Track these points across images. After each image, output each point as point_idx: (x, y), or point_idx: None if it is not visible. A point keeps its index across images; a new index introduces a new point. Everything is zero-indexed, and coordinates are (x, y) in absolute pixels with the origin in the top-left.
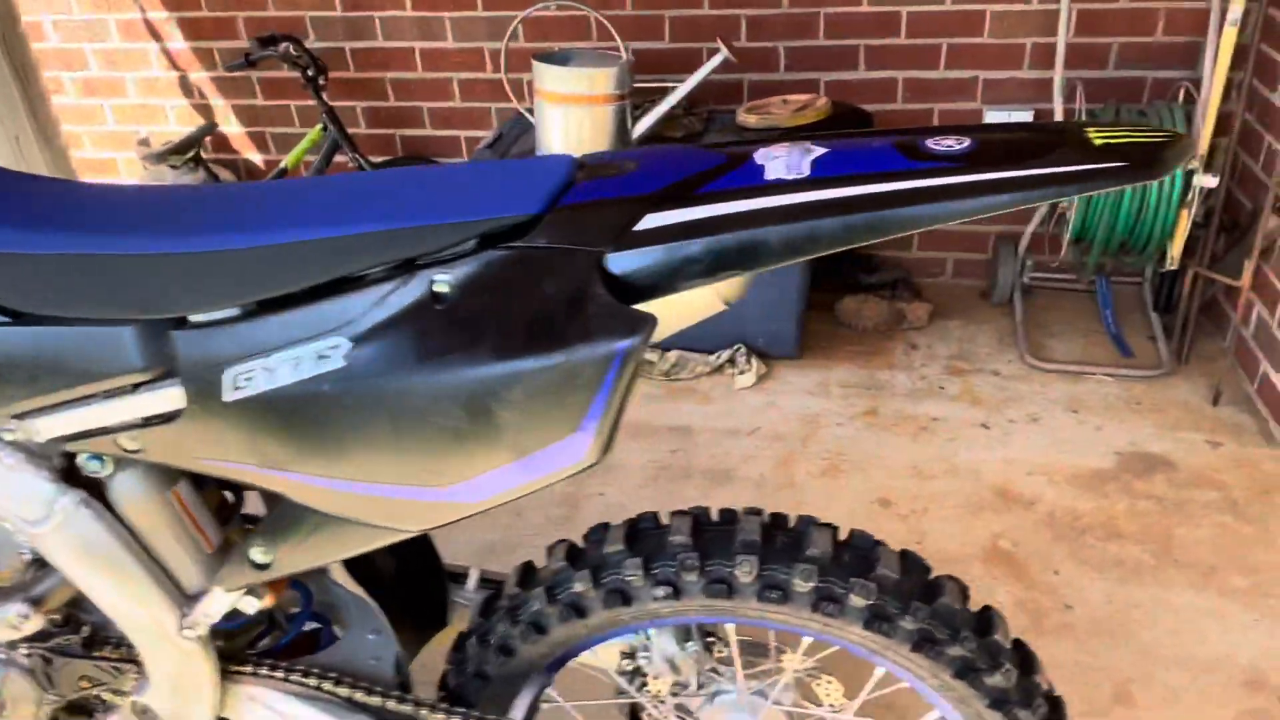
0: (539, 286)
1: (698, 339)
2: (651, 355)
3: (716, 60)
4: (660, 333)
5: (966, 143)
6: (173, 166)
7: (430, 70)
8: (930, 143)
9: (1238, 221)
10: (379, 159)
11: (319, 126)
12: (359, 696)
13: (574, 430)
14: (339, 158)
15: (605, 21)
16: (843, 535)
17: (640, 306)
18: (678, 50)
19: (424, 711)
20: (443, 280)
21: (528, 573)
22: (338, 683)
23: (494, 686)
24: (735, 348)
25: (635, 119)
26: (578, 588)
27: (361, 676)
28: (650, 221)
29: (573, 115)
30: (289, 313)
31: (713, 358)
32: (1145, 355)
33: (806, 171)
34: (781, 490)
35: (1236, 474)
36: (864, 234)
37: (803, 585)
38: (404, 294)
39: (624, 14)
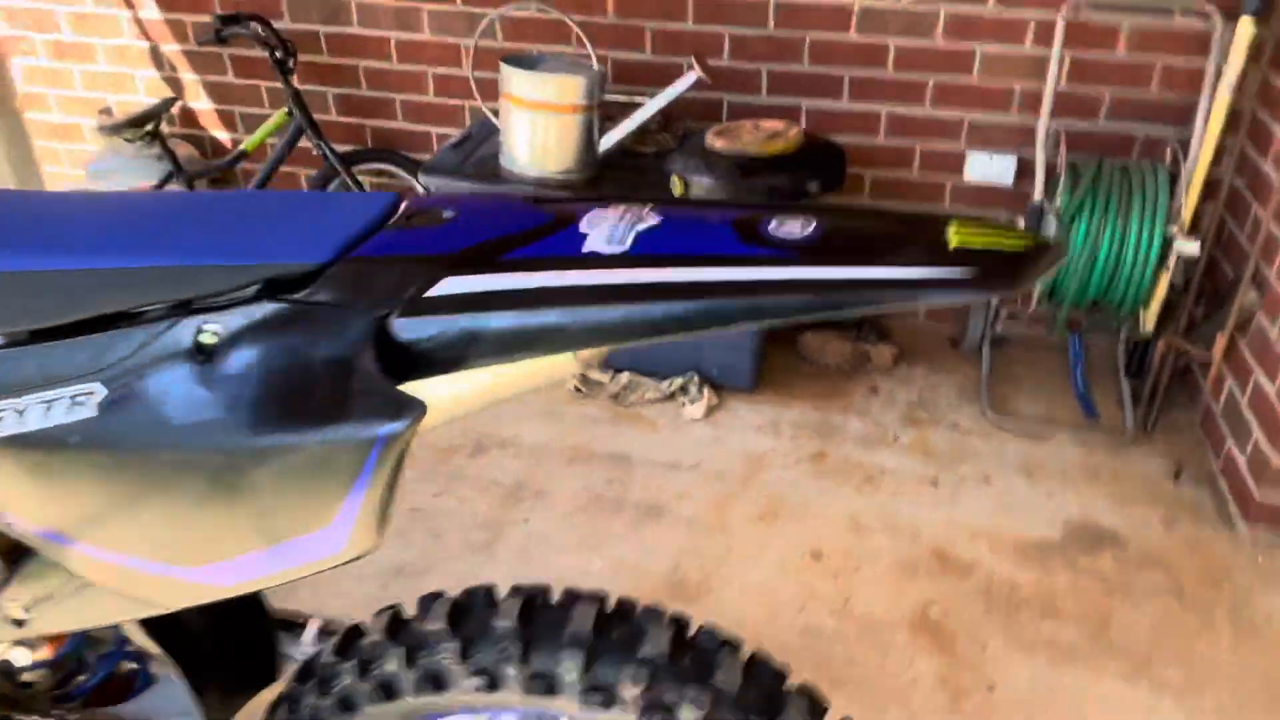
0: (305, 351)
1: (652, 361)
2: (602, 376)
3: (688, 80)
4: (502, 395)
5: (811, 228)
6: (128, 139)
7: (405, 62)
8: (772, 225)
9: (1219, 289)
10: (345, 148)
11: (284, 110)
12: None
13: (327, 524)
14: (304, 143)
15: (578, 29)
16: (692, 630)
17: (440, 380)
18: (658, 64)
19: None
20: (210, 330)
21: (348, 639)
22: None
23: None
24: (688, 375)
25: (603, 131)
26: (390, 666)
27: None
28: (447, 286)
29: (538, 122)
30: (52, 349)
31: (665, 384)
32: (1111, 420)
33: (627, 245)
34: (712, 533)
35: (1188, 557)
36: (671, 327)
37: (630, 690)
38: (168, 341)
39: (604, 22)
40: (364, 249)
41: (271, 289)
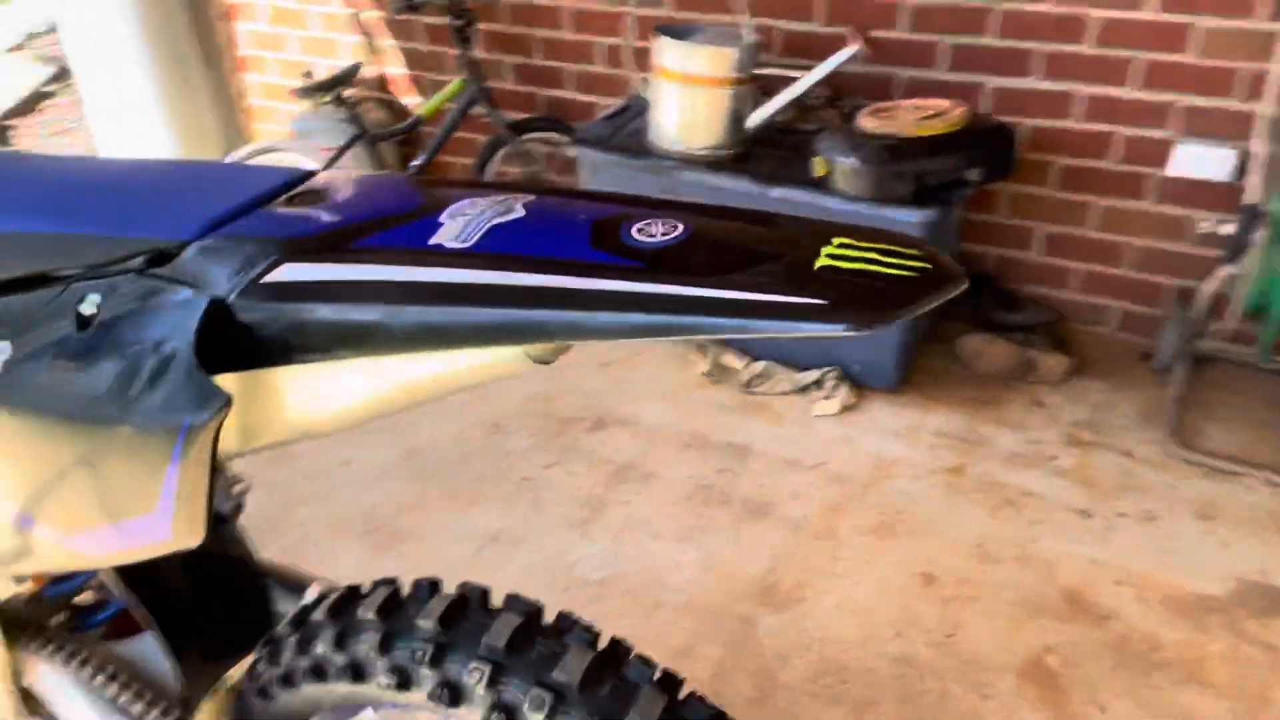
0: (143, 329)
1: (791, 351)
2: (736, 362)
3: (846, 53)
4: (447, 389)
5: (675, 233)
6: (319, 102)
7: (578, 32)
8: (635, 229)
9: None
10: (518, 116)
11: (460, 78)
12: (121, 699)
13: (153, 508)
14: (477, 110)
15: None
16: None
17: (353, 370)
18: (829, 35)
19: None
20: (91, 301)
21: (304, 612)
22: (111, 678)
23: None
24: (827, 369)
25: (757, 105)
26: (319, 648)
27: (145, 679)
28: (283, 273)
29: (687, 95)
30: None
31: (800, 376)
32: None
33: (473, 242)
34: (818, 539)
35: None
36: (493, 335)
37: (535, 715)
38: (59, 307)
39: None
40: (230, 227)
41: (150, 263)
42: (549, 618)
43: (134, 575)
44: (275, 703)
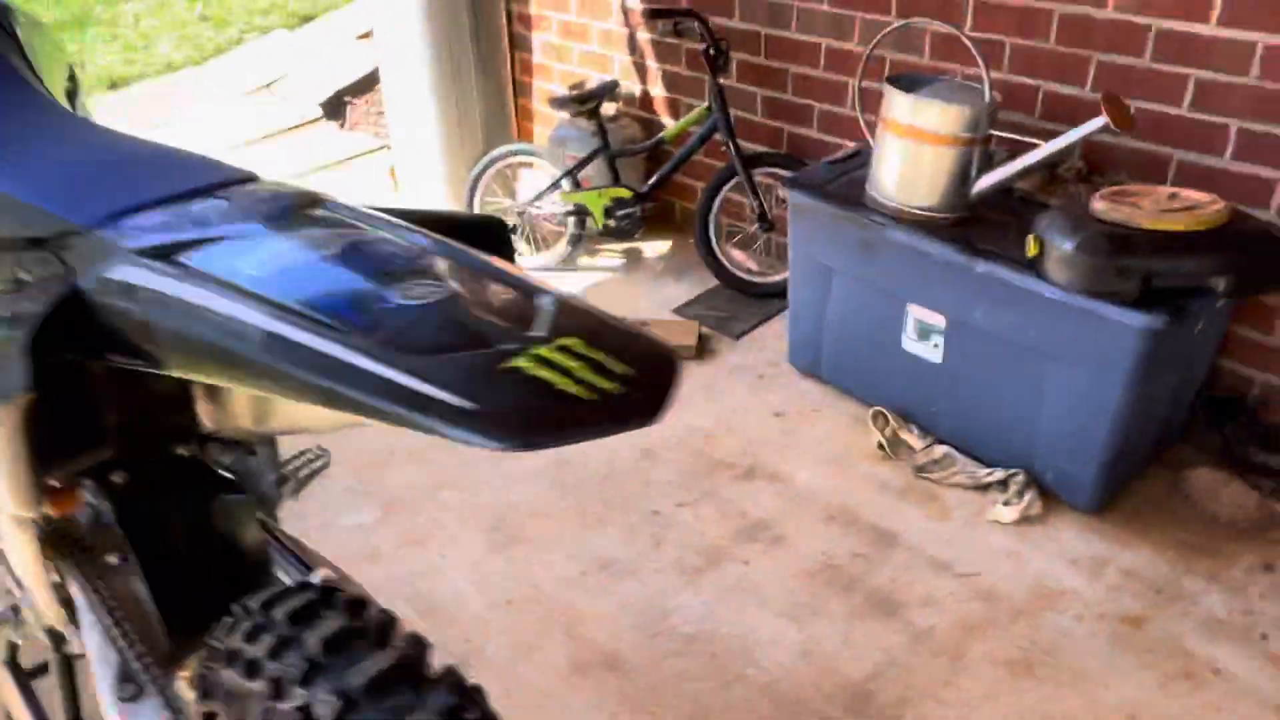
0: (11, 302)
1: (981, 440)
2: (916, 439)
3: (1092, 125)
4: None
5: (429, 298)
6: (571, 114)
7: (831, 70)
8: (402, 288)
9: None
10: (756, 149)
11: (706, 105)
12: (113, 633)
13: None
14: (718, 137)
15: (973, 47)
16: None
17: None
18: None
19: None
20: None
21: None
22: (110, 611)
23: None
24: (1015, 471)
25: (988, 168)
26: (238, 637)
27: (143, 623)
28: (118, 271)
29: (910, 150)
30: None
31: (983, 472)
32: None
33: (267, 276)
34: (939, 657)
35: None
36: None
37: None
38: (3, 271)
39: (1043, 48)
40: (122, 221)
41: (53, 239)
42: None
43: (136, 525)
44: (221, 679)
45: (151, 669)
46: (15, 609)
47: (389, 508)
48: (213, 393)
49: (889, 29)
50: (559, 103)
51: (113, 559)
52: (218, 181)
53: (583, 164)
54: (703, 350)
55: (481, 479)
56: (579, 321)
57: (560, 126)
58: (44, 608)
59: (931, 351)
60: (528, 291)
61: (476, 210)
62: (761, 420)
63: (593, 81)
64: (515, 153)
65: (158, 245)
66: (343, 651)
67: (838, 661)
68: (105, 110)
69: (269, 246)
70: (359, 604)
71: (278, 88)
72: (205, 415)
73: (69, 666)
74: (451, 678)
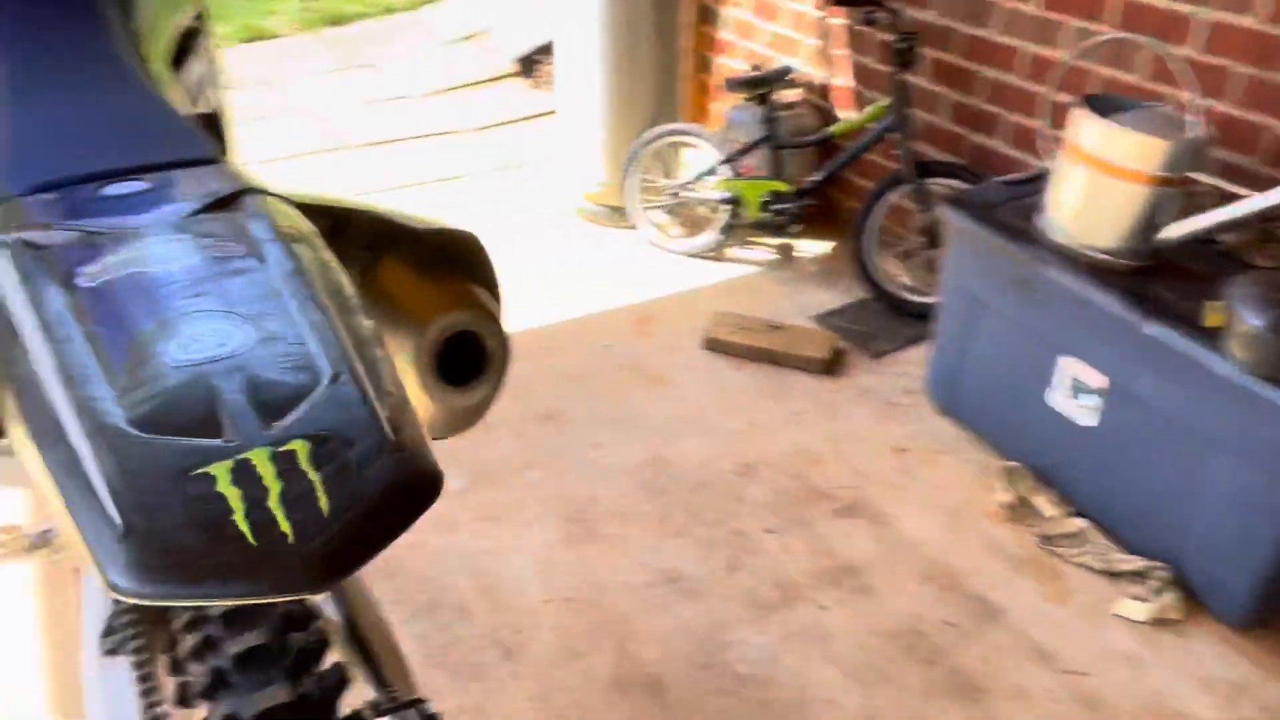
0: None
1: (1129, 520)
2: (1050, 506)
3: None
4: None
5: (198, 361)
6: (744, 97)
7: (1030, 79)
8: (188, 338)
9: None
10: (933, 156)
11: (885, 102)
12: None
13: None
14: (894, 137)
15: (1182, 72)
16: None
17: None
18: None
19: None
20: None
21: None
22: None
23: None
24: (1156, 564)
25: (1185, 214)
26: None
27: None
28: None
29: (1094, 182)
30: None
31: (1118, 558)
32: None
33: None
34: None
35: None
36: None
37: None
38: None
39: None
40: (42, 195)
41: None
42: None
43: None
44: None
45: (130, 630)
46: (47, 533)
47: (476, 479)
48: None
49: (1092, 40)
50: (732, 84)
51: None
52: (168, 161)
53: (744, 151)
54: (834, 365)
55: (571, 465)
56: (335, 415)
57: (736, 109)
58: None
59: (1082, 413)
60: (313, 362)
61: (629, 188)
62: (878, 453)
63: (773, 65)
64: (678, 132)
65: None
66: (254, 672)
67: None
68: (324, 44)
69: (123, 254)
70: (300, 619)
71: (480, 40)
72: None
73: None
74: None
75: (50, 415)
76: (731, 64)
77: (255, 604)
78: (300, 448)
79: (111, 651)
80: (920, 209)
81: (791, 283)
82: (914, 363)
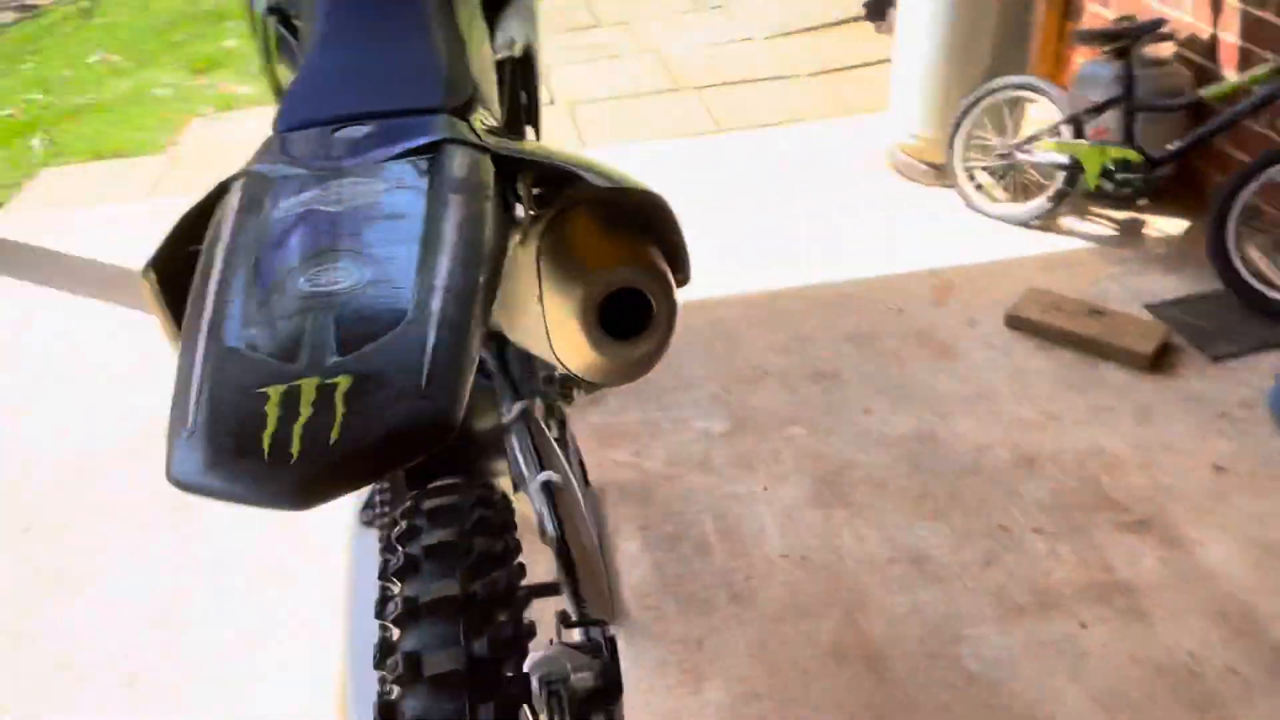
0: None
1: None
2: None
3: None
4: None
5: (315, 290)
6: (1099, 51)
7: None
8: (319, 271)
9: None
10: None
11: (1274, 65)
12: None
13: None
14: None
15: None
16: None
17: None
18: None
19: None
20: None
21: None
22: None
23: None
24: None
25: None
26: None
27: None
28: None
29: None
30: None
31: None
32: None
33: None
34: None
35: None
36: None
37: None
38: None
39: None
40: (290, 134)
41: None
42: None
43: None
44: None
45: (383, 508)
46: None
47: (739, 424)
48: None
49: None
50: (1084, 36)
51: None
52: (400, 109)
53: (1093, 111)
54: (1160, 362)
55: (835, 427)
56: (389, 357)
57: (1089, 64)
58: None
59: None
60: (402, 306)
61: (956, 143)
62: (1193, 468)
63: (1146, 16)
64: (1020, 85)
65: (271, 161)
66: (436, 563)
67: None
68: None
69: (318, 191)
70: (496, 527)
71: None
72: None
73: None
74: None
75: (194, 326)
76: (1104, 12)
77: (455, 504)
78: (344, 382)
79: (366, 523)
80: None
81: (1127, 263)
82: (1262, 373)
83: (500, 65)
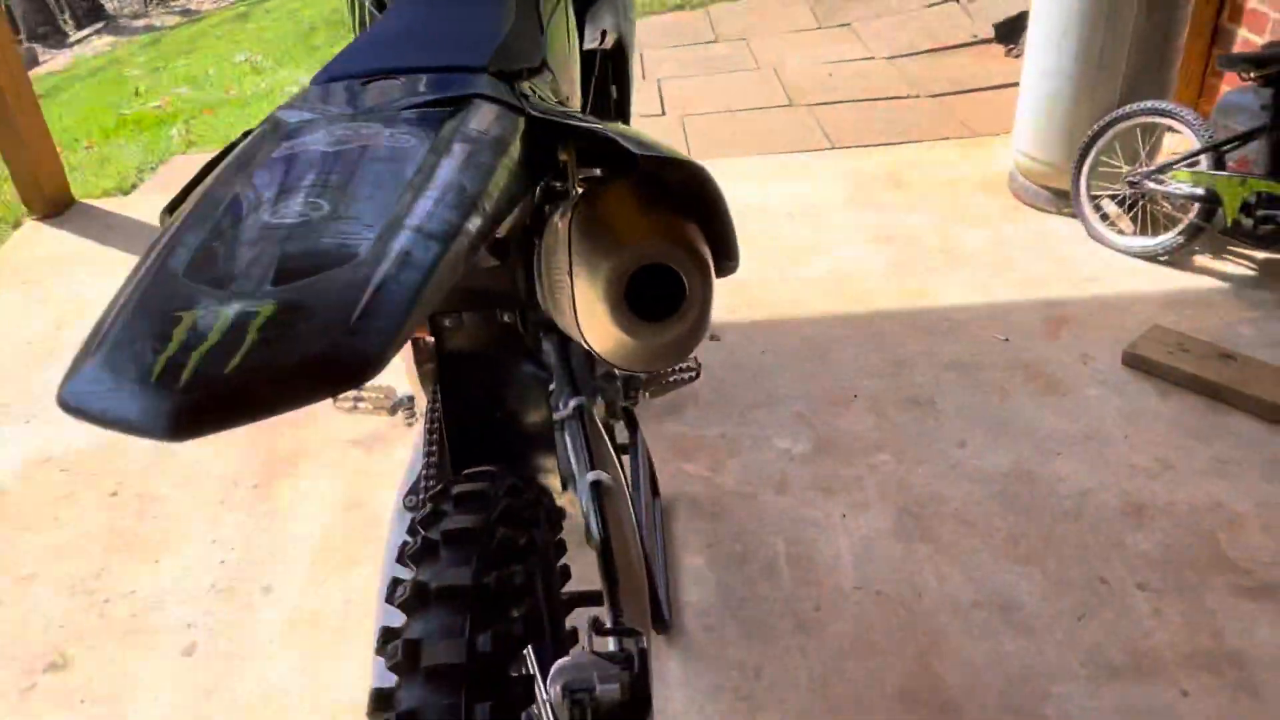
0: None
1: None
2: None
3: None
4: None
5: (280, 221)
6: (1241, 77)
7: None
8: (290, 202)
9: None
10: None
11: None
12: (426, 440)
13: None
14: None
15: None
16: None
17: None
18: None
19: None
20: None
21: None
22: None
23: None
24: None
25: None
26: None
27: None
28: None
29: None
30: None
31: None
32: None
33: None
34: None
35: None
36: None
37: None
38: None
39: None
40: (326, 84)
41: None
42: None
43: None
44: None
45: (429, 493)
46: (410, 400)
47: (822, 447)
48: (523, 266)
49: None
50: (1229, 61)
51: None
52: (438, 65)
53: (1235, 141)
54: None
55: (926, 457)
56: (327, 291)
57: (1233, 92)
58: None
59: None
60: (357, 245)
61: (1084, 181)
62: None
63: None
64: (1156, 111)
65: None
66: (453, 551)
67: None
68: (807, 2)
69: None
70: (523, 519)
71: (965, 3)
72: (520, 286)
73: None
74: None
75: (147, 254)
76: (1256, 39)
77: (483, 491)
78: (265, 310)
79: (410, 509)
80: None
81: (1265, 306)
82: None
83: (589, 56)
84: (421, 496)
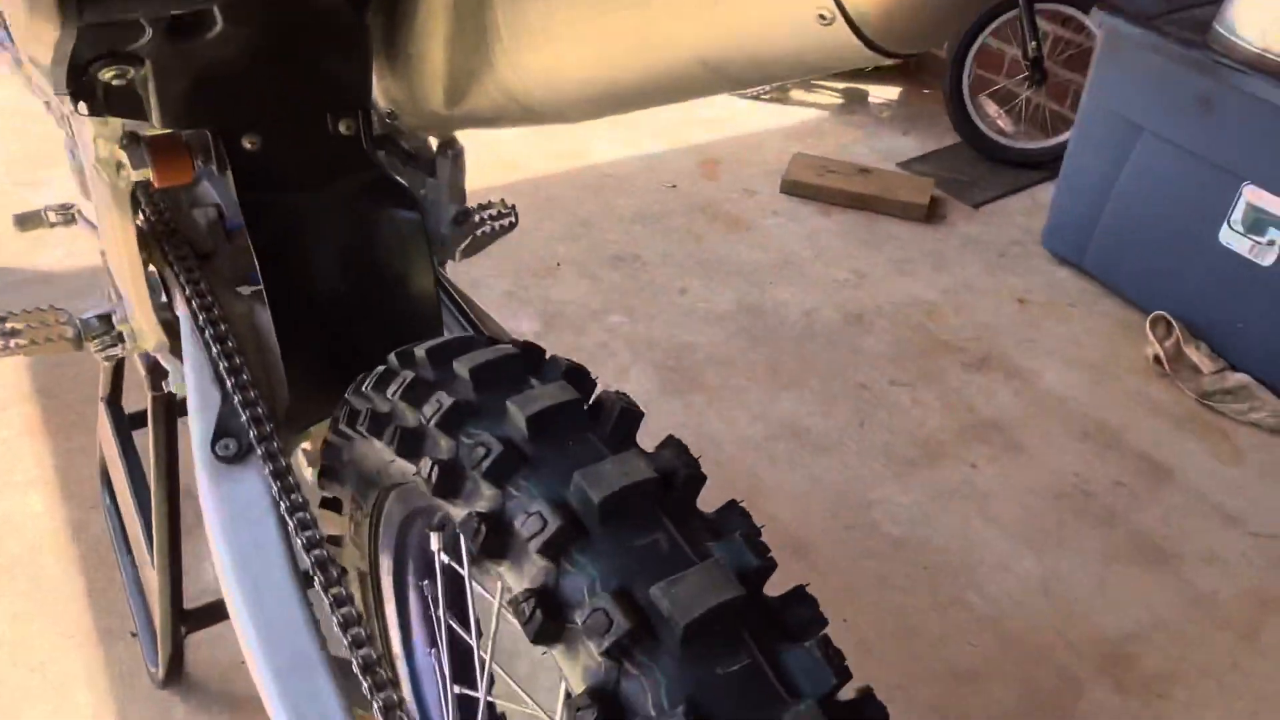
0: None
1: None
2: (1207, 361)
3: None
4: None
5: None
6: None
7: None
8: None
9: None
10: None
11: None
12: (219, 369)
13: None
14: None
15: None
16: None
17: None
18: None
19: None
20: None
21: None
22: (220, 339)
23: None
24: None
25: None
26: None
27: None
28: None
29: None
30: None
31: None
32: None
33: None
34: (1222, 630)
35: None
36: None
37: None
38: None
39: None
40: None
41: None
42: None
43: (267, 226)
44: (351, 447)
45: (261, 426)
46: (106, 318)
47: (550, 322)
48: (400, 53)
49: None
50: None
51: (228, 269)
52: None
53: None
54: (931, 213)
55: (656, 310)
56: None
57: None
58: (141, 325)
59: (1260, 251)
60: None
61: None
62: (999, 304)
63: None
64: None
65: None
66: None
67: (1088, 609)
68: None
69: None
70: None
71: None
72: (383, 86)
73: (168, 411)
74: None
75: None
76: None
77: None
78: None
79: (229, 458)
80: (1029, 40)
81: (864, 127)
82: (1019, 212)
83: None
84: (255, 435)
